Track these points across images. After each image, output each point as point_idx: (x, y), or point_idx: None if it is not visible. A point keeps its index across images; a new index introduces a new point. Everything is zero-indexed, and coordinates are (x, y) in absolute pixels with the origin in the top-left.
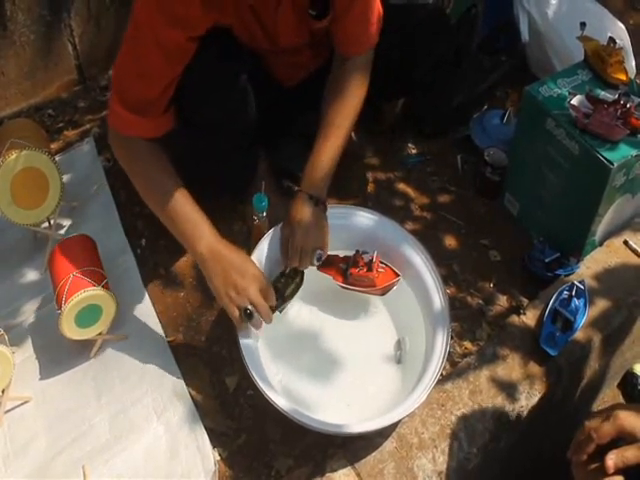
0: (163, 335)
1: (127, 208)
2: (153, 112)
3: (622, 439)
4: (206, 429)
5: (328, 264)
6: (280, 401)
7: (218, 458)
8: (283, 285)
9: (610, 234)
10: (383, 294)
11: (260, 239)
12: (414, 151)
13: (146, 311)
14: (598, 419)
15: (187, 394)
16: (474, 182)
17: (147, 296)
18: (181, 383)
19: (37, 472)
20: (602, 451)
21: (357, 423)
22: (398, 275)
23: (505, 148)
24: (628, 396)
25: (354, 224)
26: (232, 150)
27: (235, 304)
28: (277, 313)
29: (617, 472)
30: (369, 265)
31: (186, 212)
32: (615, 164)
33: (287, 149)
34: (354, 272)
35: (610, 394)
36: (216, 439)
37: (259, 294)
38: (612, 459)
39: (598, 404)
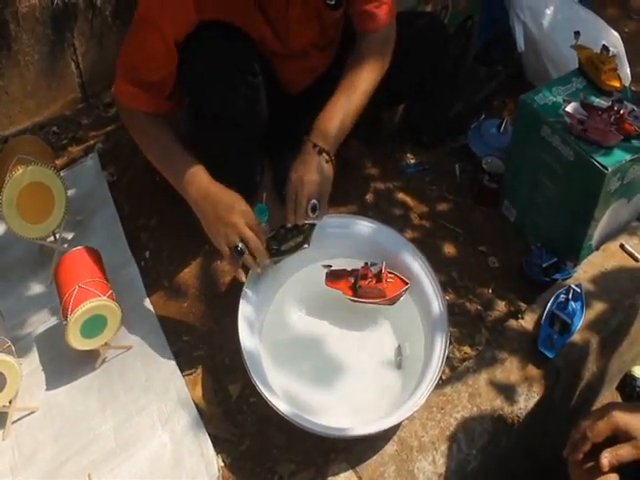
0: (167, 344)
1: (131, 221)
2: (155, 92)
3: (617, 438)
4: (210, 436)
5: (336, 278)
6: (282, 406)
7: (222, 464)
8: (282, 237)
9: (606, 238)
10: (393, 303)
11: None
12: (412, 161)
13: (150, 321)
14: (593, 418)
15: (191, 402)
16: (472, 190)
17: (151, 307)
18: (185, 391)
19: None
20: (598, 450)
21: (358, 426)
22: (407, 283)
23: (502, 156)
24: (627, 398)
25: (354, 233)
26: (237, 157)
27: (226, 242)
28: (273, 266)
29: (612, 470)
30: (378, 276)
31: (179, 160)
32: (610, 169)
33: (289, 159)
34: (364, 284)
35: (609, 396)
36: (220, 445)
37: (247, 229)
38: (606, 457)
39: (597, 406)
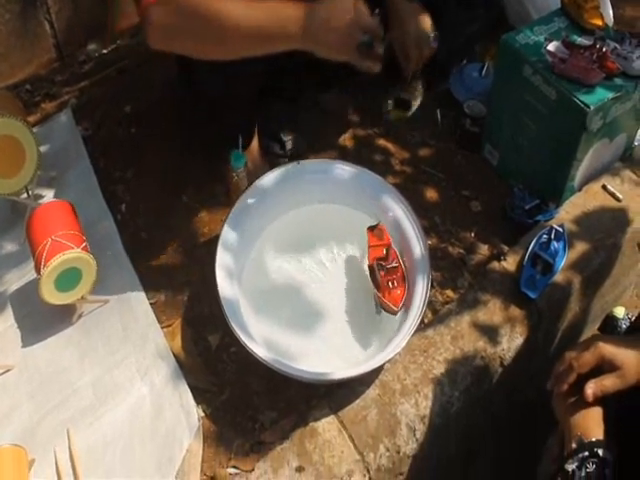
0: (145, 297)
1: (107, 175)
2: None
3: (601, 371)
4: (189, 387)
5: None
6: (262, 352)
7: (202, 414)
8: (409, 88)
9: (589, 179)
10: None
11: (238, 196)
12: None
13: (127, 275)
14: (578, 349)
15: (170, 353)
16: (454, 135)
17: (128, 260)
18: (164, 343)
19: (22, 438)
20: (582, 383)
21: (339, 370)
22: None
23: (484, 100)
24: None
25: (334, 177)
26: (237, 100)
27: (353, 43)
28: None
29: (596, 403)
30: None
31: (259, 14)
32: (592, 107)
33: (275, 110)
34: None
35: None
36: (200, 396)
37: (366, 17)
38: (591, 388)
39: None
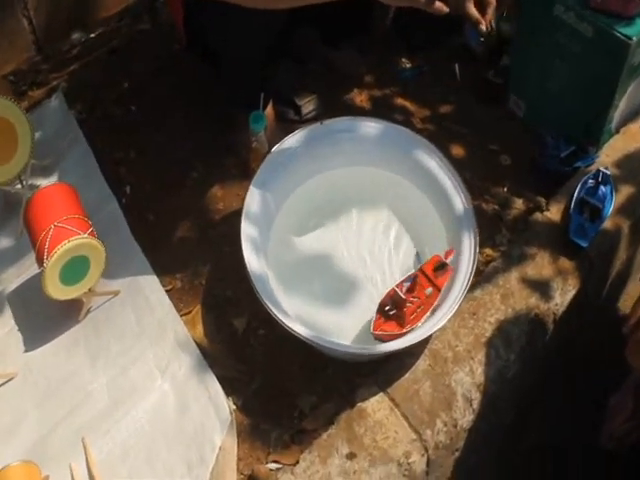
0: (159, 284)
1: (107, 155)
2: None
3: None
4: (217, 378)
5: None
6: (302, 330)
7: (233, 406)
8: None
9: (626, 120)
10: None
11: (260, 163)
12: (408, 65)
13: (138, 261)
14: None
15: (192, 343)
16: (475, 89)
17: (137, 245)
18: (184, 332)
19: (32, 453)
20: None
21: (387, 343)
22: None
23: (506, 48)
24: None
25: (361, 135)
26: (256, 53)
27: None
28: None
29: None
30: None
31: None
32: (634, 38)
33: (285, 73)
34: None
35: (635, 289)
36: (229, 386)
37: None
38: None
39: (624, 299)
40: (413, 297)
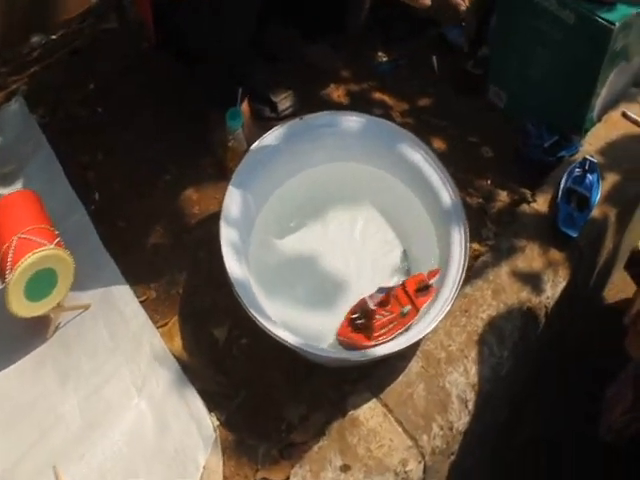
0: (132, 295)
1: (73, 160)
2: None
3: None
4: (198, 392)
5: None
6: (290, 337)
7: (217, 422)
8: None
9: (606, 108)
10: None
11: (238, 162)
12: (385, 58)
13: (109, 272)
14: None
15: (170, 356)
16: (454, 81)
17: (108, 255)
18: (161, 345)
19: None
20: None
21: (380, 347)
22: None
23: (484, 38)
24: (636, 279)
25: (342, 130)
26: (229, 47)
27: None
28: None
29: None
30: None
31: None
32: (617, 24)
33: (258, 69)
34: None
35: (619, 277)
36: (211, 401)
37: None
38: None
39: (609, 288)
40: (385, 311)
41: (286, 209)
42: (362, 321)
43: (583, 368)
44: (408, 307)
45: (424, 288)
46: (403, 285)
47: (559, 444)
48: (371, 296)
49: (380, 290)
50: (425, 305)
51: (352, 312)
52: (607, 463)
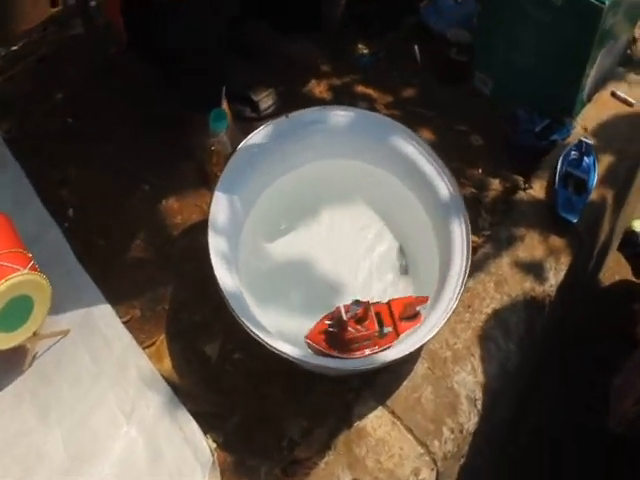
0: (115, 316)
1: (43, 176)
2: None
3: None
4: (191, 414)
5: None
6: (289, 349)
7: (214, 445)
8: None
9: (595, 88)
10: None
11: (222, 166)
12: (366, 51)
13: (88, 293)
14: None
15: (159, 378)
16: (437, 69)
17: (86, 275)
18: (149, 367)
19: None
20: None
21: (386, 352)
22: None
23: (467, 26)
24: (631, 260)
25: (331, 126)
26: (204, 48)
27: None
28: None
29: None
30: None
31: None
32: (607, 2)
33: (234, 67)
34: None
35: (613, 258)
36: (206, 423)
37: None
38: None
39: (604, 270)
40: (360, 327)
41: (275, 211)
42: (334, 330)
43: (583, 355)
44: (389, 329)
45: (413, 317)
46: (388, 305)
47: (562, 435)
48: (346, 307)
49: (356, 303)
50: (407, 331)
51: (328, 318)
52: (609, 454)
